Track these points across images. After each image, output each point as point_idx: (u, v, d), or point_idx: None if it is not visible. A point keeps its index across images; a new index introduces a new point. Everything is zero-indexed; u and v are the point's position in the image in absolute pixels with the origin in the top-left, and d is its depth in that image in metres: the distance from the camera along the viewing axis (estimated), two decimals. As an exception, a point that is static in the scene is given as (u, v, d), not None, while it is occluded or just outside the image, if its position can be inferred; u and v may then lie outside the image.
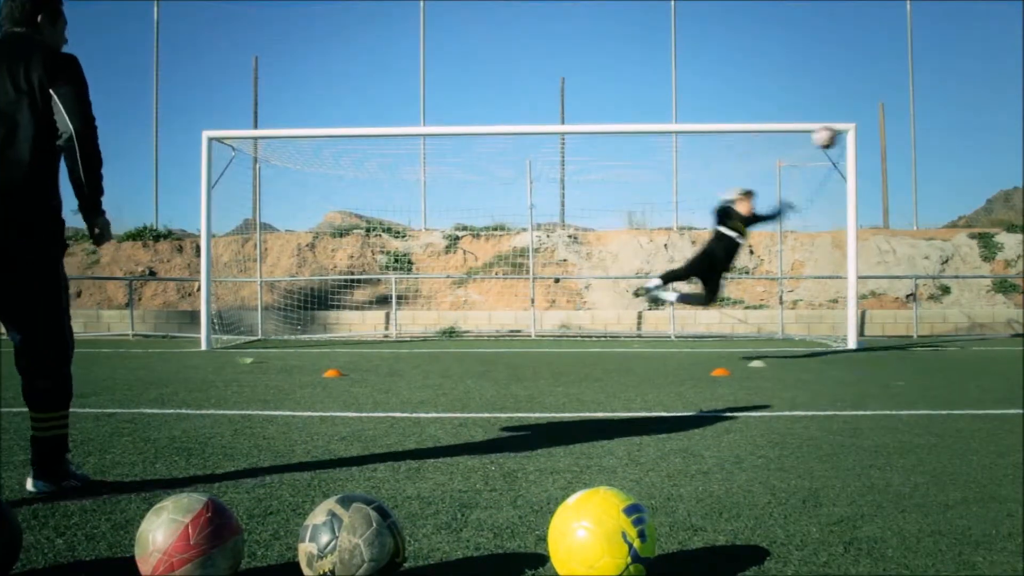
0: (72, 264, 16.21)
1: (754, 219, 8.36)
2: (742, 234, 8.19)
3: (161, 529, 1.87)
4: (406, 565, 2.10)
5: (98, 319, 14.41)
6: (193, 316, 13.59)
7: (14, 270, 2.74)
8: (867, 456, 3.54)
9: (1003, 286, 15.50)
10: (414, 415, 4.81)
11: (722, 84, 27.86)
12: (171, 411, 4.91)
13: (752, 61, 25.93)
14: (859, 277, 11.69)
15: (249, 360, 8.75)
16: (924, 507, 2.71)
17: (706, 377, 6.96)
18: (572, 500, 2.00)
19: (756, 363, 8.20)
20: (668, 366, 8.13)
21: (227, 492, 2.92)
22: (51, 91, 2.76)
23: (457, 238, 16.79)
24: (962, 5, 21.22)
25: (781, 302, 14.33)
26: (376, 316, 14.61)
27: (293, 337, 13.66)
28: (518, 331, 14.14)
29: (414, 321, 14.59)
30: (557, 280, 15.61)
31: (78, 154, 2.77)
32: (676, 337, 13.43)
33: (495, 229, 16.78)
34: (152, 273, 16.07)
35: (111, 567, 2.12)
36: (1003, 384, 6.37)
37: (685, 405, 5.22)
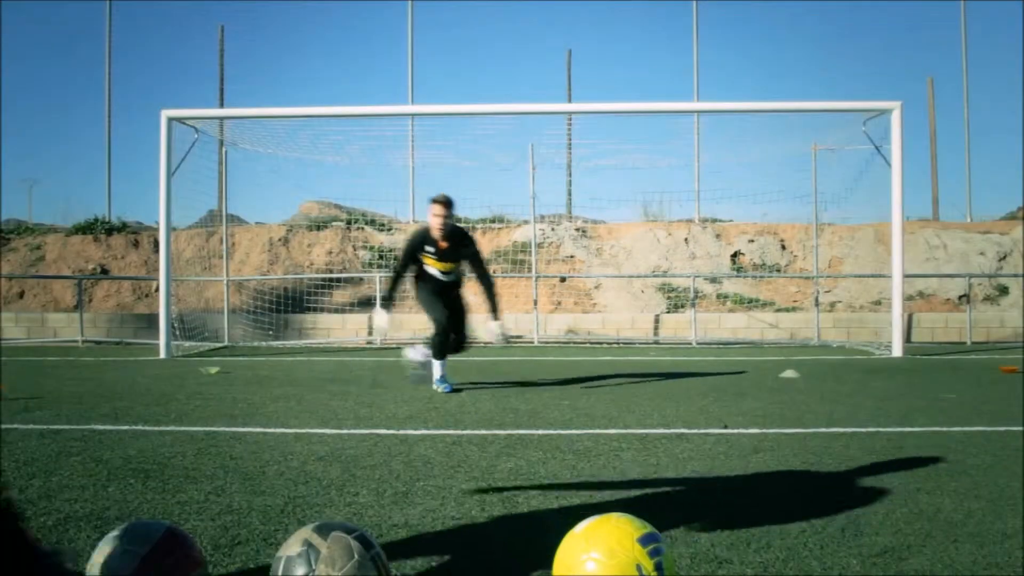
0: (14, 261, 16.22)
1: None
2: None
3: (115, 561, 1.87)
4: (392, 602, 2.10)
5: (43, 323, 14.40)
6: (151, 320, 13.59)
7: None
8: (914, 479, 3.54)
9: (1068, 286, 15.50)
10: (401, 432, 4.81)
11: (749, 57, 27.82)
12: (126, 427, 4.91)
13: (783, 32, 25.87)
14: (905, 276, 11.69)
15: (214, 370, 8.75)
16: (979, 536, 2.71)
17: (732, 389, 6.96)
18: (580, 528, 2.00)
19: (789, 373, 8.20)
20: (689, 376, 8.13)
21: (189, 519, 2.92)
22: None
23: (450, 231, 16.79)
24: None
25: (817, 304, 14.34)
26: (358, 320, 14.61)
27: (264, 344, 13.67)
28: (519, 336, 14.14)
29: (401, 326, 14.59)
30: (563, 279, 15.62)
31: None
32: (698, 344, 13.44)
33: (493, 221, 16.79)
34: (104, 271, 16.08)
35: (58, 604, 2.13)
36: (1068, 397, 6.37)
37: (708, 421, 5.22)
